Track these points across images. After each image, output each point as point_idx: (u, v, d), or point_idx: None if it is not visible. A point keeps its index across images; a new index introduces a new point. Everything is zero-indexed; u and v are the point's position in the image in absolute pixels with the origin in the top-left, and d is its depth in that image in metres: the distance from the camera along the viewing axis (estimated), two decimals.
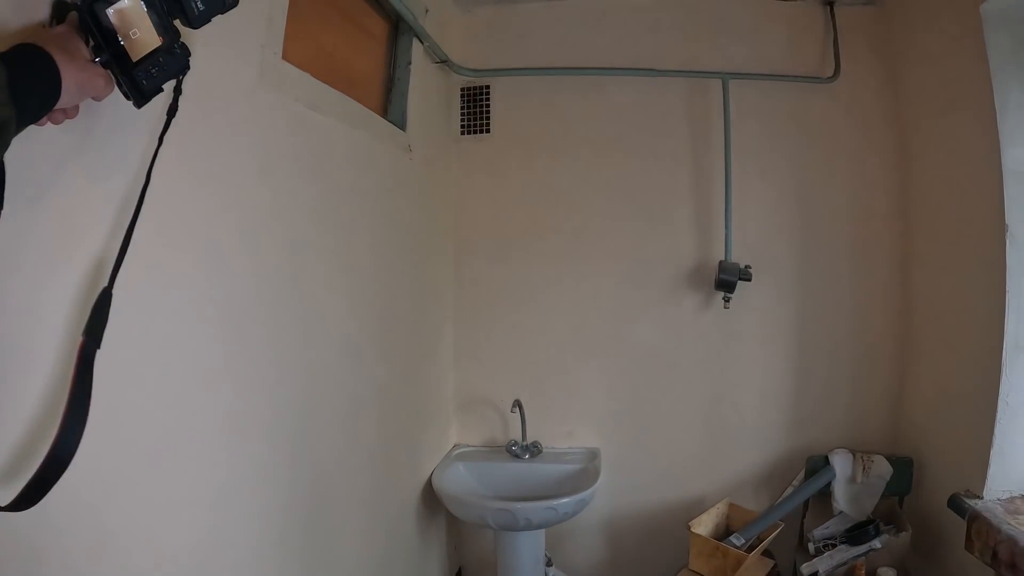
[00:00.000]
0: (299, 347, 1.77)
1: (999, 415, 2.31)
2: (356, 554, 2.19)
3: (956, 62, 2.53)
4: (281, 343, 1.67)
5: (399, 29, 2.58)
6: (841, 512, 2.86)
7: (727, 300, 2.96)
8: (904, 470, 2.85)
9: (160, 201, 1.15)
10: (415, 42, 2.60)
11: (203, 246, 1.36)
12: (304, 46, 1.79)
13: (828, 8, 3.04)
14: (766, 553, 2.90)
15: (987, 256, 2.37)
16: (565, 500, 2.71)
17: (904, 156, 3.01)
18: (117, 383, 1.09)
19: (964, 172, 2.57)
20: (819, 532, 2.85)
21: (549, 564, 3.06)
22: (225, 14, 1.07)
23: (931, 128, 2.84)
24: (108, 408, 1.04)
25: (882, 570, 2.60)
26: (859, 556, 2.65)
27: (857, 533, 2.71)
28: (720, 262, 2.96)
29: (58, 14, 0.95)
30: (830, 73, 3.01)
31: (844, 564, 2.66)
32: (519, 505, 2.68)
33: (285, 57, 1.63)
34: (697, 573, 2.79)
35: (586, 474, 2.96)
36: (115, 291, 1.02)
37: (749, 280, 2.92)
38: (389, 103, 2.55)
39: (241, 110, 1.48)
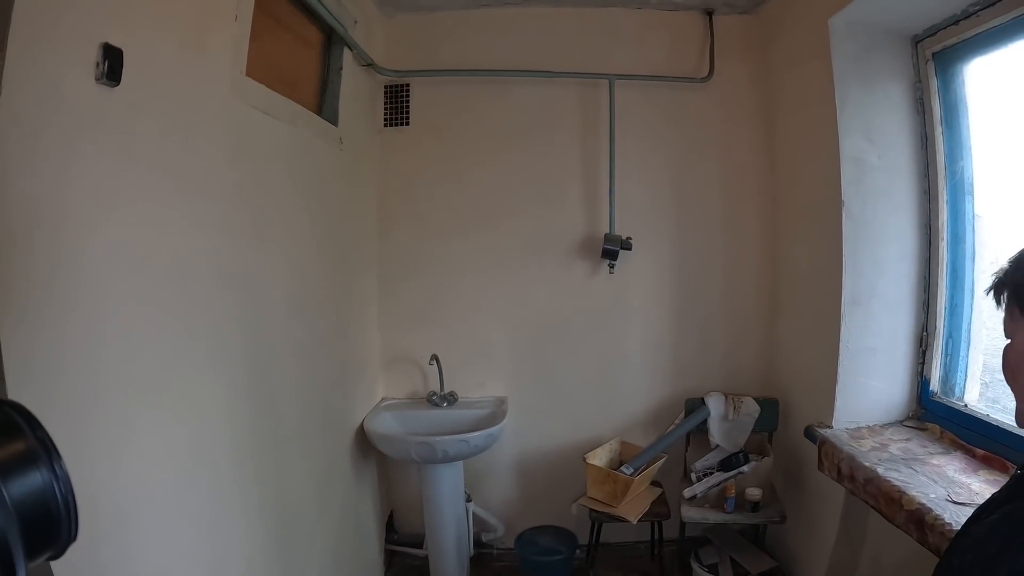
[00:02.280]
0: (258, 298, 2.13)
1: (841, 358, 2.69)
2: (301, 486, 2.46)
3: (810, 65, 2.84)
4: (244, 296, 2.03)
5: (332, 39, 2.87)
6: (718, 446, 3.25)
7: (612, 267, 3.38)
8: (771, 409, 3.24)
9: (153, 186, 1.56)
10: (345, 50, 2.91)
11: (185, 221, 1.71)
12: (259, 59, 2.10)
13: (708, 17, 3.40)
14: (655, 483, 3.29)
15: (830, 227, 2.71)
16: (476, 434, 3.06)
17: (769, 145, 3.41)
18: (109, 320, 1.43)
19: (813, 158, 2.89)
20: (699, 464, 3.24)
21: (469, 500, 3.44)
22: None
23: (789, 121, 3.20)
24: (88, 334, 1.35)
25: (749, 490, 2.99)
26: (729, 479, 3.05)
27: (728, 460, 3.13)
28: (605, 235, 3.35)
29: None
30: (705, 74, 3.40)
31: (717, 486, 3.06)
32: (437, 439, 3.00)
33: (247, 73, 2.01)
34: (593, 499, 3.15)
35: (495, 417, 3.31)
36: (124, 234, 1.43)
37: (630, 249, 3.34)
38: (323, 102, 2.85)
39: (216, 116, 1.86)
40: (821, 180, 2.81)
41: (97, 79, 1.34)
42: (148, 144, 1.54)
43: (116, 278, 1.44)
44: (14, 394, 1.11)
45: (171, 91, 1.63)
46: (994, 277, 1.08)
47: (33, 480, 0.66)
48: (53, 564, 1.16)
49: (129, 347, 1.47)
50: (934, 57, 2.58)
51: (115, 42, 1.37)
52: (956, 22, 2.39)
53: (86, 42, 1.32)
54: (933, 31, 2.52)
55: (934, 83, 2.59)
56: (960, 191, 2.57)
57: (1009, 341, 1.04)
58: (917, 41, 2.62)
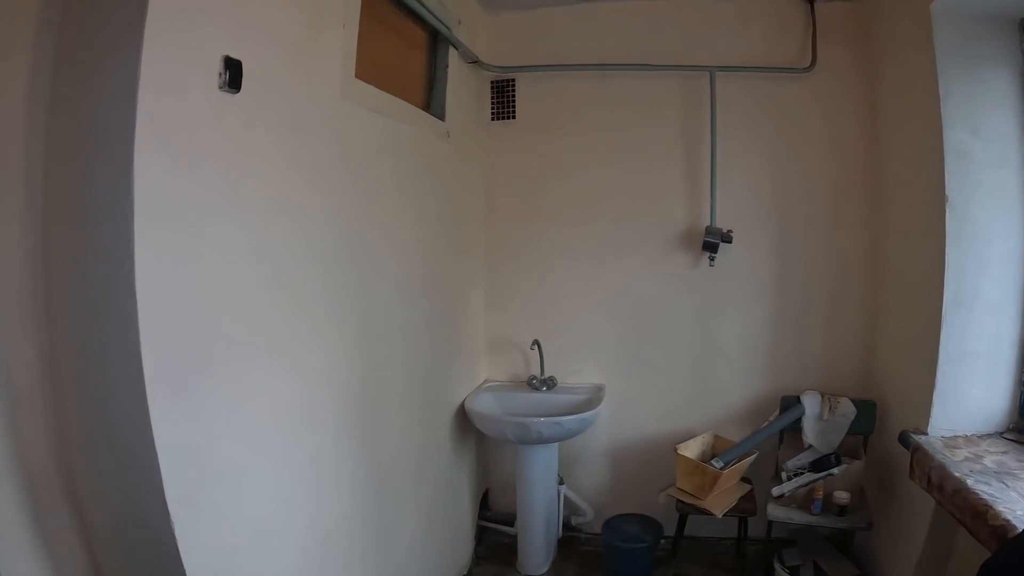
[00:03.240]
0: (369, 280, 2.35)
1: (940, 362, 2.55)
2: (400, 455, 2.65)
3: (912, 53, 2.74)
4: (356, 277, 2.25)
5: (437, 39, 3.02)
6: (811, 446, 3.17)
7: (712, 259, 3.38)
8: (868, 411, 3.14)
9: (272, 181, 1.77)
10: (451, 49, 3.06)
11: (306, 207, 1.94)
12: (368, 61, 2.28)
13: (809, 4, 3.30)
14: (745, 479, 3.28)
15: (933, 223, 2.58)
16: (571, 417, 3.16)
17: (873, 137, 3.27)
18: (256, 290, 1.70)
19: (916, 151, 2.78)
20: (791, 463, 3.17)
21: (561, 483, 3.54)
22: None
23: (892, 112, 3.08)
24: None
25: (838, 493, 2.91)
26: (818, 480, 2.99)
27: (819, 461, 3.06)
28: (706, 227, 3.36)
29: None
30: (808, 64, 3.32)
31: (806, 486, 3.01)
32: (532, 420, 3.13)
33: (356, 75, 2.18)
34: (682, 490, 3.17)
35: (591, 402, 3.40)
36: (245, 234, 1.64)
37: (730, 242, 3.33)
38: (431, 99, 3.01)
39: (328, 116, 2.05)
40: (924, 175, 2.70)
41: (220, 87, 1.54)
42: (266, 143, 1.75)
43: (240, 257, 1.66)
44: (156, 350, 1.36)
45: (286, 95, 1.82)
46: None
47: None
48: (171, 497, 1.39)
49: (243, 316, 1.68)
50: None
51: (234, 54, 1.56)
52: None
53: (209, 55, 1.51)
54: None
55: None
56: None
57: None
58: None
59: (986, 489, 2.05)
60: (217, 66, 1.51)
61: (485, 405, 3.42)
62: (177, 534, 1.41)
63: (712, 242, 3.33)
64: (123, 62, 1.30)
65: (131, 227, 1.29)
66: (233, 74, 1.55)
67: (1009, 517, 1.86)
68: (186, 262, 1.46)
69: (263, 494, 1.77)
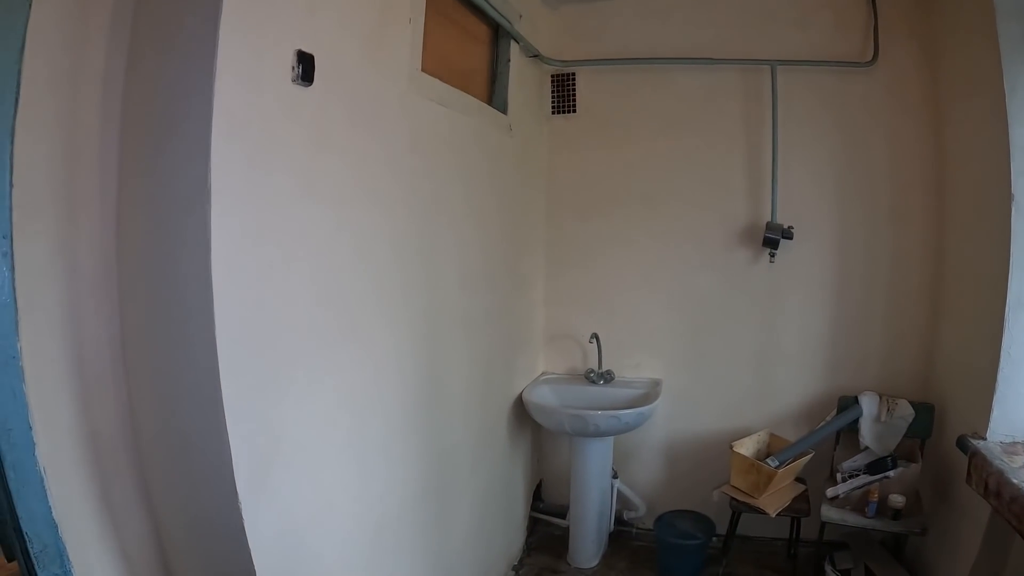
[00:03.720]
0: (433, 270, 2.41)
1: (1002, 365, 2.48)
2: (459, 444, 2.71)
3: (976, 47, 2.67)
4: (420, 267, 2.31)
5: (499, 33, 3.07)
6: (867, 448, 3.13)
7: (772, 256, 3.35)
8: (926, 415, 3.07)
9: (342, 170, 1.84)
10: (512, 42, 3.10)
11: (375, 197, 2.02)
12: (433, 56, 2.35)
13: None
14: (799, 480, 3.25)
15: (998, 222, 2.51)
16: (628, 411, 3.18)
17: (936, 133, 3.20)
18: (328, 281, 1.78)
19: (982, 148, 2.71)
20: (847, 464, 3.13)
21: (615, 477, 3.57)
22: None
23: (957, 107, 3.01)
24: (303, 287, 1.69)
25: (893, 496, 2.86)
26: (874, 482, 2.94)
27: (876, 464, 3.02)
28: (767, 223, 3.33)
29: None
30: (869, 57, 3.25)
31: (861, 488, 2.96)
32: (589, 412, 3.15)
33: (422, 68, 2.25)
34: (736, 488, 3.16)
35: (648, 397, 3.40)
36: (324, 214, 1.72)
37: (791, 239, 3.29)
38: (493, 93, 3.07)
39: (396, 109, 2.12)
40: (990, 173, 2.62)
41: (292, 81, 1.60)
42: (337, 134, 1.82)
43: (312, 246, 1.73)
44: (231, 337, 1.43)
45: (355, 88, 1.89)
46: None
47: None
48: (239, 480, 1.46)
49: (315, 305, 1.75)
50: None
51: (307, 48, 1.62)
52: None
53: (283, 50, 1.57)
54: None
55: None
56: None
57: None
58: None
59: None
60: (290, 60, 1.58)
61: (543, 397, 3.45)
62: (245, 516, 1.47)
63: (773, 238, 3.30)
64: (199, 54, 1.35)
65: (208, 216, 1.35)
66: (306, 67, 1.61)
67: None
68: (262, 249, 1.53)
69: (328, 478, 1.84)
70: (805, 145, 3.41)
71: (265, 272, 1.54)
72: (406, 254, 2.21)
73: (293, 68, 1.58)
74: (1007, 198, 2.46)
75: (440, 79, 2.40)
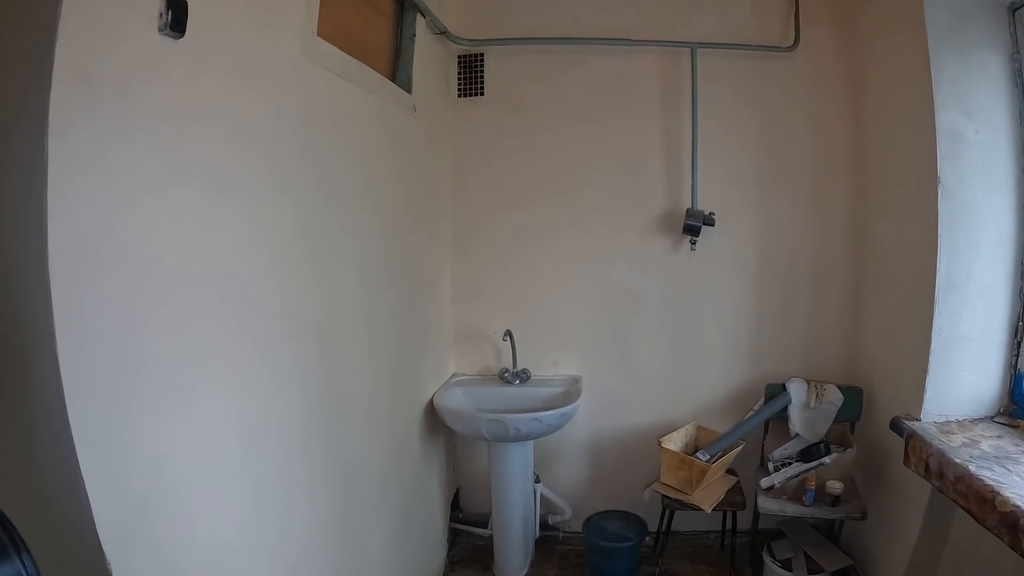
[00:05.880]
0: (328, 265, 2.10)
1: (933, 346, 2.55)
2: (368, 460, 2.43)
3: (901, 34, 2.71)
4: (313, 261, 2.00)
5: (404, 5, 2.82)
6: (797, 435, 3.12)
7: (693, 243, 3.27)
8: (855, 398, 3.10)
9: (221, 143, 1.53)
10: (418, 16, 2.85)
11: (264, 180, 1.70)
12: (330, 24, 2.08)
13: None
14: (731, 471, 3.20)
15: (924, 205, 2.57)
16: (550, 412, 2.99)
17: (858, 118, 3.23)
18: (199, 278, 1.45)
19: (906, 133, 2.76)
20: (778, 453, 3.11)
21: (537, 481, 3.40)
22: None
23: (880, 93, 3.04)
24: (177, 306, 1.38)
25: (830, 483, 2.84)
26: (810, 470, 2.91)
27: (808, 451, 2.99)
28: (687, 209, 3.24)
29: None
30: (791, 42, 3.23)
31: (796, 477, 2.93)
32: (509, 416, 2.96)
33: (318, 34, 1.96)
34: (667, 485, 3.07)
35: (569, 396, 3.25)
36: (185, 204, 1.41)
37: (712, 225, 3.22)
38: (397, 70, 2.80)
39: (288, 76, 1.82)
40: (915, 156, 2.67)
41: (160, 30, 1.30)
42: (215, 99, 1.50)
43: (184, 238, 1.41)
44: (75, 355, 1.11)
45: (239, 46, 1.59)
46: None
47: (4, 572, 0.80)
48: (104, 533, 1.16)
49: (189, 308, 1.43)
50: None
51: None
52: None
53: None
54: None
55: None
56: None
57: None
58: (1015, 9, 2.46)
59: (989, 475, 2.03)
60: (158, 5, 1.28)
61: (456, 401, 3.26)
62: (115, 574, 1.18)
63: (693, 225, 3.22)
64: None
65: (44, 200, 1.05)
66: (177, 15, 1.31)
67: (1019, 503, 1.84)
68: (118, 243, 1.22)
69: (221, 517, 1.55)
70: (726, 130, 3.35)
71: (122, 272, 1.23)
72: (299, 247, 1.91)
73: (161, 15, 1.28)
74: (933, 181, 2.51)
75: (339, 48, 2.13)
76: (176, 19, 1.32)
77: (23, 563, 0.80)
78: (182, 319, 1.40)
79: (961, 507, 2.10)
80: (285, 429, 1.84)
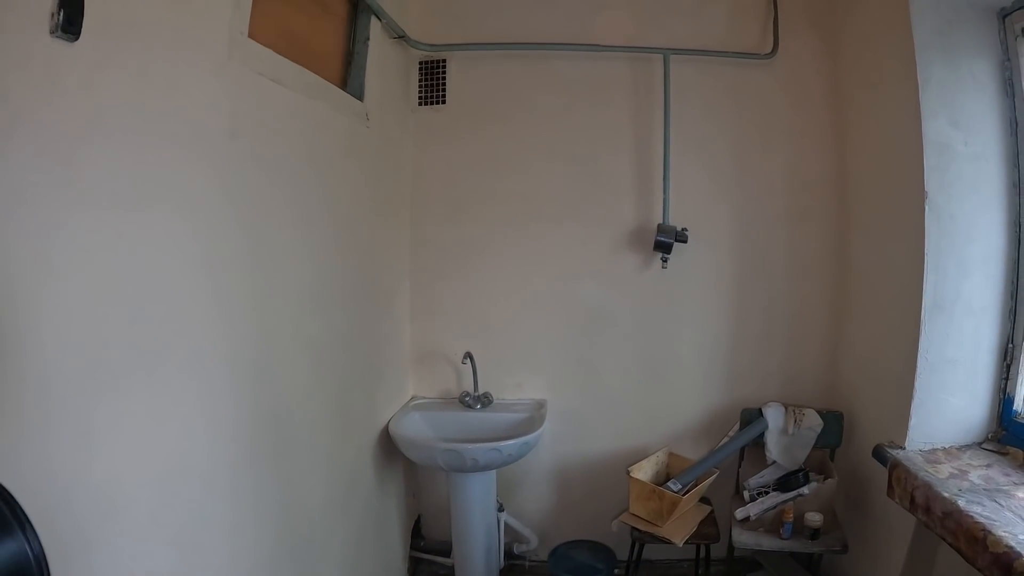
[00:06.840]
0: (263, 289, 1.92)
1: (919, 370, 2.43)
2: (315, 493, 2.29)
3: (886, 39, 2.62)
4: (244, 285, 1.83)
5: (358, 7, 2.66)
6: (774, 462, 3.00)
7: (665, 261, 3.11)
8: (835, 423, 2.99)
9: (128, 158, 1.35)
10: (373, 19, 2.69)
11: (170, 198, 1.51)
12: (268, 25, 1.92)
13: None
14: (704, 500, 3.05)
15: (910, 222, 2.47)
16: (510, 442, 2.84)
17: (839, 129, 3.13)
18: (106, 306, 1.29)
19: (891, 143, 2.67)
20: (754, 481, 2.99)
21: (501, 510, 3.24)
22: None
23: (862, 102, 2.94)
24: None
25: (809, 515, 2.70)
26: (788, 501, 2.78)
27: (787, 480, 2.86)
28: (659, 225, 3.10)
29: None
30: (769, 49, 3.12)
31: (774, 508, 2.80)
32: (467, 446, 2.80)
33: (251, 36, 1.79)
34: (637, 516, 2.92)
35: (533, 422, 3.09)
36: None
37: (685, 242, 3.08)
38: (348, 76, 2.64)
39: (209, 82, 1.64)
40: (900, 168, 2.56)
41: (52, 32, 1.14)
42: (119, 108, 1.33)
43: (82, 265, 1.25)
44: None
45: (149, 48, 1.41)
46: None
47: (8, 547, 0.82)
48: None
49: (96, 336, 1.28)
50: None
51: None
52: None
53: None
54: (1022, 3, 2.29)
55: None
56: None
57: None
58: (1005, 15, 2.38)
59: (980, 511, 1.93)
60: (48, 3, 1.13)
61: (413, 428, 3.08)
62: None
63: (665, 241, 3.07)
64: None
65: None
66: (70, 14, 1.16)
67: (1012, 543, 1.74)
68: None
69: (129, 572, 1.37)
70: (700, 141, 3.22)
71: (9, 307, 1.09)
72: (225, 270, 1.73)
73: (53, 15, 1.13)
74: (920, 195, 2.41)
75: (277, 52, 1.95)
76: (69, 19, 1.17)
77: (27, 538, 0.84)
78: (77, 346, 1.24)
79: (950, 545, 1.98)
80: (205, 468, 1.66)
